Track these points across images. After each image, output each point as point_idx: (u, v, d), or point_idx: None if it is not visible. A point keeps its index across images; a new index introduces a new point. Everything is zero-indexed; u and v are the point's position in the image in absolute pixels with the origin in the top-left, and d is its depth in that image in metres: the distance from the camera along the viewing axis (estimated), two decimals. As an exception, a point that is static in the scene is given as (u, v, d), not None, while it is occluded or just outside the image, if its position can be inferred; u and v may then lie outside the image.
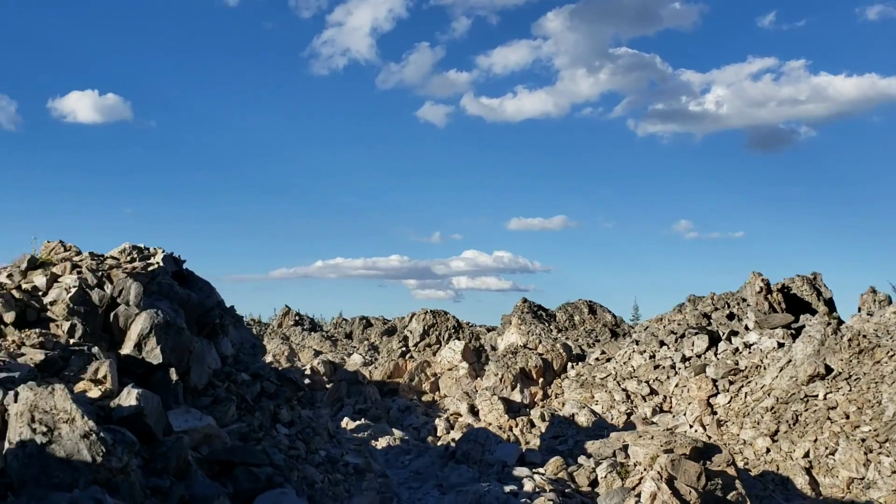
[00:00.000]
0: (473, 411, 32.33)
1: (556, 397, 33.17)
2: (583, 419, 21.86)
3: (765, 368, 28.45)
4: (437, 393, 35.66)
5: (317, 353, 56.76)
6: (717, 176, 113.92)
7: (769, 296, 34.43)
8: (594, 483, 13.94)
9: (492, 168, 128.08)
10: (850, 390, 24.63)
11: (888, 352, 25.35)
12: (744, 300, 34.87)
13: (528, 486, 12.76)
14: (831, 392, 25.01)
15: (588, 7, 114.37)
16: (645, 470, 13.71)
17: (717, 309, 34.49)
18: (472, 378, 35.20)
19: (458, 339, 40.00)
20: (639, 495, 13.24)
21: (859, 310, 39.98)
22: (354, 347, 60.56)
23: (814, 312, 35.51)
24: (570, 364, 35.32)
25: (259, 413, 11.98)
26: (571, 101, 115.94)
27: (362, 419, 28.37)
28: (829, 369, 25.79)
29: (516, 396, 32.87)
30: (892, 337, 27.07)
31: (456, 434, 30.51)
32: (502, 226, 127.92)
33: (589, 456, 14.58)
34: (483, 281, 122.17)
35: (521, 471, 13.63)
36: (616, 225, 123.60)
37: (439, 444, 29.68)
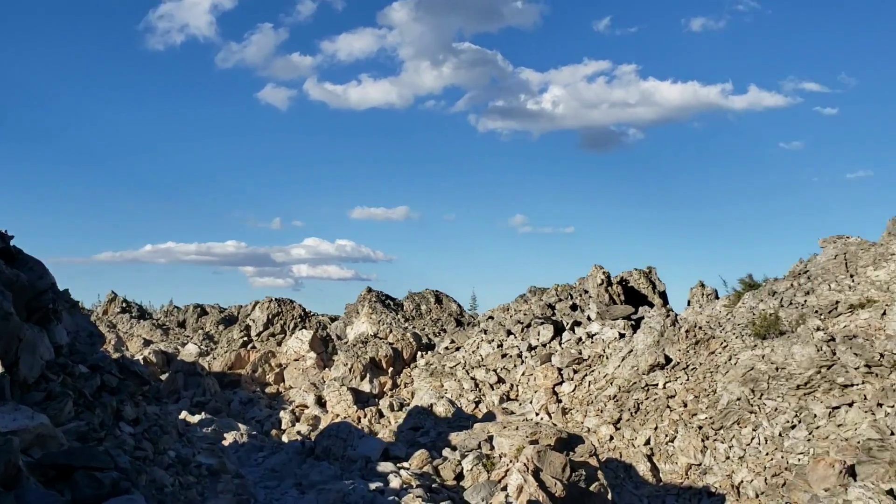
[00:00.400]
0: (321, 403, 31.40)
1: (406, 387, 32.82)
2: (441, 409, 21.64)
3: (607, 358, 29.42)
4: (282, 384, 34.35)
5: (147, 343, 53.53)
6: (551, 173, 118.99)
7: (609, 288, 35.72)
8: (460, 476, 13.60)
9: (335, 155, 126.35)
10: (688, 380, 25.88)
11: (721, 343, 26.86)
12: (586, 292, 35.99)
13: (394, 483, 12.18)
14: (670, 381, 26.17)
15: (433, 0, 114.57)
16: (511, 462, 13.51)
17: (560, 300, 35.38)
18: (319, 368, 34.18)
19: (306, 328, 38.77)
20: (505, 488, 13.00)
21: (689, 303, 42.43)
22: (188, 337, 57.58)
23: (650, 304, 37.25)
24: (419, 353, 35.07)
25: (100, 410, 10.64)
26: (415, 93, 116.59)
27: (203, 413, 26.72)
28: (668, 359, 26.98)
29: (365, 387, 32.22)
30: (723, 328, 28.74)
31: (302, 427, 29.47)
32: (345, 214, 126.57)
33: (454, 448, 14.23)
34: (324, 269, 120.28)
35: (385, 466, 13.04)
36: (457, 217, 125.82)
37: (284, 437, 28.56)
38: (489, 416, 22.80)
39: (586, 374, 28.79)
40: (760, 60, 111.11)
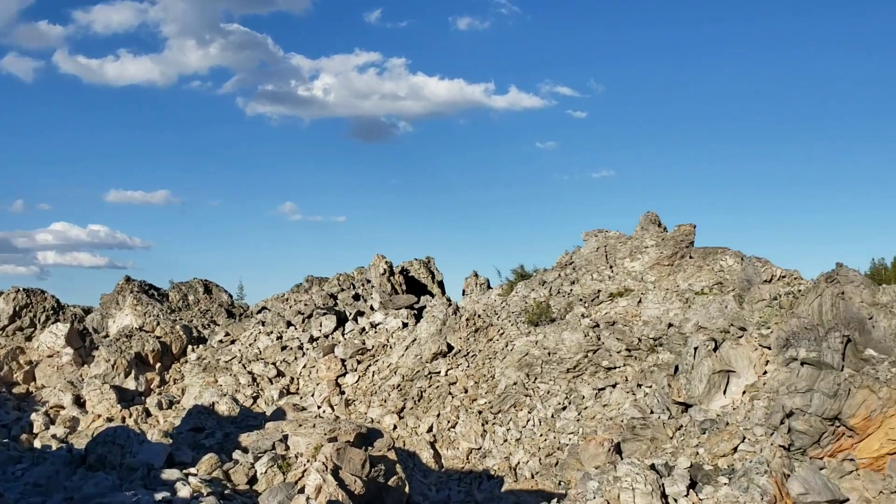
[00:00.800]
0: (79, 402, 28.66)
1: (176, 383, 30.87)
2: (224, 408, 20.36)
3: (391, 348, 29.55)
4: (32, 384, 30.91)
5: None
6: (322, 161, 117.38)
7: (392, 277, 35.95)
8: (253, 480, 12.78)
9: (88, 134, 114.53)
10: (469, 366, 26.65)
11: (499, 330, 27.95)
12: (368, 281, 35.96)
13: (182, 492, 11.13)
14: (452, 368, 26.80)
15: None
16: (308, 462, 12.98)
17: (343, 290, 35.06)
18: (77, 365, 31.16)
19: (60, 321, 35.20)
20: (303, 490, 12.45)
21: (464, 292, 43.83)
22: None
23: (430, 294, 37.99)
24: (190, 347, 33.14)
25: None
26: (179, 72, 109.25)
27: (-65, 421, 23.27)
28: (450, 347, 27.61)
29: (130, 384, 29.87)
30: (499, 316, 29.94)
31: (58, 429, 26.71)
32: (99, 197, 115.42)
33: (245, 450, 13.32)
34: (75, 256, 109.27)
35: (171, 473, 11.90)
36: (222, 203, 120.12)
37: (37, 442, 25.74)
38: (278, 415, 21.98)
39: (370, 365, 28.73)
40: (520, 63, 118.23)
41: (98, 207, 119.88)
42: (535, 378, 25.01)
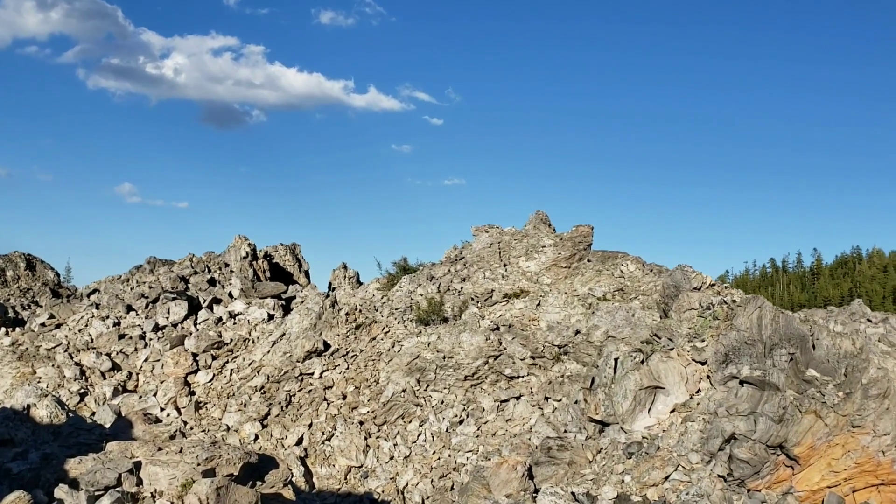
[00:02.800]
0: None
1: (-20, 373, 25.14)
2: (44, 413, 15.55)
3: (254, 342, 25.31)
4: None
5: None
6: (168, 144, 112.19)
7: (255, 262, 31.57)
8: (83, 531, 8.67)
9: None
10: (348, 368, 22.96)
11: (383, 328, 24.42)
12: (226, 265, 31.39)
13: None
14: (328, 370, 23.02)
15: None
16: None
17: (196, 272, 30.29)
18: None
19: None
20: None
21: (330, 285, 39.94)
22: None
23: (295, 283, 33.87)
24: (3, 329, 27.37)
25: None
26: (14, 35, 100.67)
27: None
28: (326, 345, 23.80)
29: (-82, 372, 23.96)
30: (381, 313, 26.42)
31: None
32: None
33: (75, 484, 9.14)
34: None
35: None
36: (54, 178, 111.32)
37: None
38: (121, 427, 17.27)
39: (227, 361, 24.39)
40: (381, 64, 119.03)
41: None
42: (427, 385, 21.71)
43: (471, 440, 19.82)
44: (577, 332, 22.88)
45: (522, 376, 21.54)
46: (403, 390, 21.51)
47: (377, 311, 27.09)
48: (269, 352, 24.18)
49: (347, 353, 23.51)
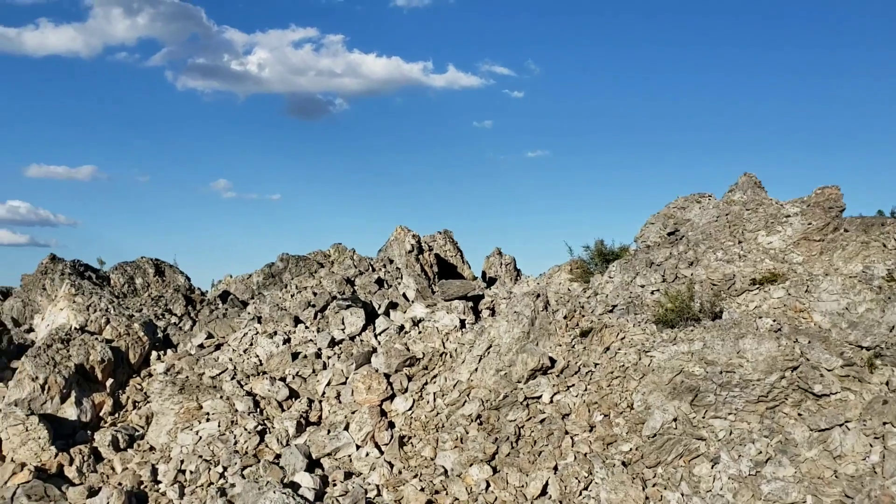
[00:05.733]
0: (-9, 443, 19.14)
1: (137, 407, 21.50)
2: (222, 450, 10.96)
3: (452, 357, 20.72)
4: (-81, 412, 21.14)
5: None
6: (257, 138, 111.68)
7: (421, 256, 27.03)
8: None
9: (6, 106, 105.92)
10: (587, 390, 18.03)
11: (619, 334, 19.35)
12: (391, 261, 26.94)
13: None
14: (560, 392, 18.16)
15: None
16: None
17: (361, 272, 25.93)
18: (-12, 384, 21.52)
19: (-37, 316, 25.34)
20: None
21: (484, 275, 35.25)
22: None
23: (461, 277, 29.23)
24: (154, 353, 23.71)
25: None
26: (105, 42, 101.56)
27: None
28: (551, 360, 18.93)
29: (69, 412, 20.42)
30: (594, 311, 21.35)
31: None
32: (18, 172, 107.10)
33: None
34: None
35: None
36: (152, 179, 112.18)
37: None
38: (312, 465, 12.93)
39: (427, 383, 19.87)
40: (459, 42, 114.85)
41: (18, 183, 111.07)
42: (706, 411, 16.56)
43: (792, 487, 14.59)
44: (893, 327, 17.24)
45: (835, 393, 16.12)
46: (675, 419, 16.43)
47: (584, 309, 22.08)
48: (476, 369, 19.53)
49: (580, 369, 18.58)
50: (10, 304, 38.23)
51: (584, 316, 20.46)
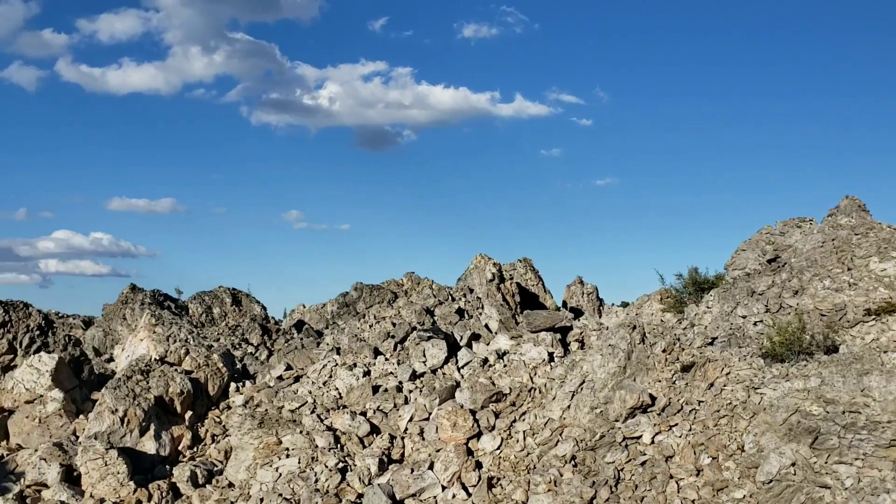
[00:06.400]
0: (71, 477, 18.82)
1: (215, 441, 20.96)
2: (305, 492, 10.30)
3: (541, 393, 19.59)
4: (4, 443, 21.08)
5: None
6: (328, 170, 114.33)
7: (502, 286, 26.03)
8: None
9: (91, 142, 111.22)
10: (691, 430, 16.66)
11: (723, 369, 17.94)
12: (471, 290, 26.01)
13: None
14: (663, 432, 16.83)
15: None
16: None
17: (440, 302, 25.07)
18: (69, 416, 21.31)
19: (48, 346, 25.39)
20: None
21: (565, 304, 34.03)
22: None
23: (542, 307, 28.08)
24: (233, 385, 23.24)
25: None
26: (183, 80, 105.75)
27: None
28: (652, 398, 17.63)
29: (148, 446, 20.00)
30: (691, 343, 19.96)
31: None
32: (102, 205, 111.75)
33: None
34: (77, 265, 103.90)
35: None
36: (228, 210, 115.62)
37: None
38: None
39: (515, 420, 18.77)
40: (526, 71, 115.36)
41: (101, 215, 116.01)
42: (829, 455, 15.03)
43: (936, 546, 12.97)
44: None
45: (980, 438, 14.42)
46: (793, 463, 14.95)
47: (680, 341, 20.70)
48: (569, 406, 18.35)
49: (683, 407, 17.22)
50: (91, 333, 38.64)
51: (683, 349, 19.10)
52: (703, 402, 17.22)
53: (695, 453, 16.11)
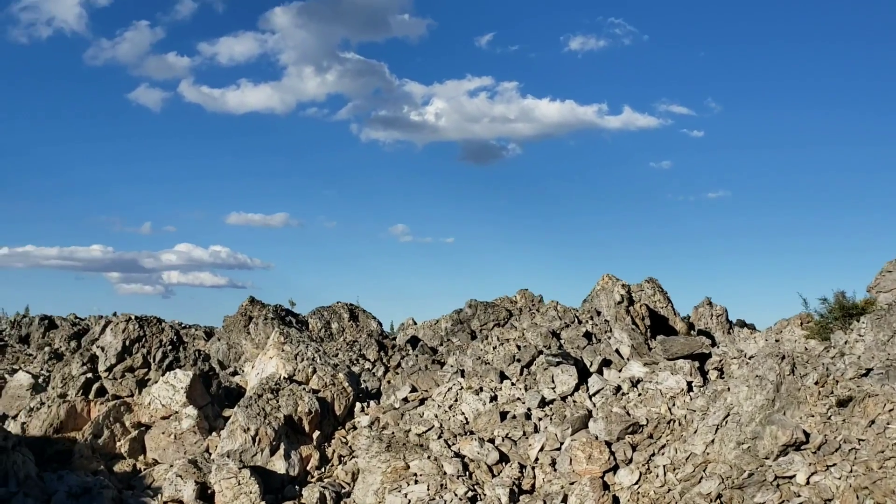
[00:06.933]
0: (206, 495, 19.12)
1: (342, 463, 20.92)
2: None
3: (681, 425, 18.59)
4: (141, 458, 21.70)
5: None
6: (433, 184, 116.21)
7: (631, 308, 25.05)
8: None
9: (210, 159, 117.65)
10: (852, 471, 15.36)
11: (885, 405, 16.50)
12: (598, 313, 25.15)
13: None
14: (818, 472, 15.59)
15: (317, 6, 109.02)
16: None
17: (567, 325, 24.34)
18: (202, 433, 21.74)
19: (179, 361, 26.13)
20: None
21: (692, 326, 32.52)
22: (30, 356, 43.44)
23: (673, 332, 26.87)
24: (358, 405, 23.22)
25: None
26: (297, 99, 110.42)
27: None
28: (806, 434, 16.41)
29: (278, 465, 20.13)
30: (843, 374, 18.46)
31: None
32: (220, 220, 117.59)
33: None
34: (196, 276, 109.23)
35: None
36: (338, 224, 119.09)
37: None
38: None
39: (654, 454, 17.85)
40: (634, 84, 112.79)
41: (219, 229, 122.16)
42: None
43: None
44: None
45: None
46: (977, 516, 13.51)
47: (829, 372, 19.21)
48: (712, 441, 17.29)
49: (841, 445, 15.92)
50: (216, 347, 39.79)
51: (836, 381, 17.72)
52: (864, 440, 15.86)
53: (857, 497, 14.81)
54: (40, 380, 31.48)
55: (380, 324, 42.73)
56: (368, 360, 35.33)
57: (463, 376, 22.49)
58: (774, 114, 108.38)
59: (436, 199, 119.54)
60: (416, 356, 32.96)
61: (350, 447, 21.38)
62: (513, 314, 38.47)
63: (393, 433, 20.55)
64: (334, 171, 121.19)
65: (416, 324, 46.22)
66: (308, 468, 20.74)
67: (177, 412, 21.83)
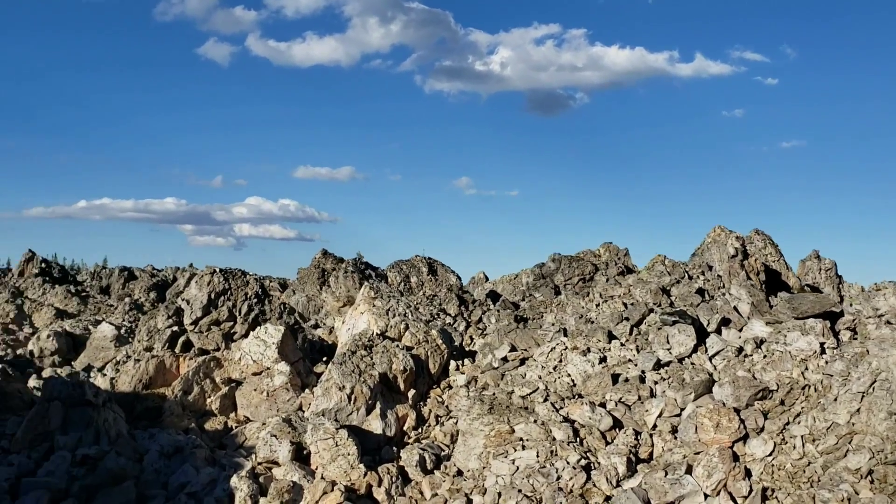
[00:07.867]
0: (301, 455, 18.27)
1: (440, 423, 19.84)
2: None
3: (817, 391, 16.89)
4: (232, 415, 21.03)
5: (60, 314, 40.01)
6: (498, 136, 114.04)
7: (745, 262, 23.16)
8: None
9: (278, 113, 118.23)
10: None
11: None
12: (710, 268, 23.35)
13: None
14: None
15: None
16: None
17: (677, 281, 22.61)
18: (295, 390, 20.92)
19: (266, 315, 25.36)
20: None
21: (799, 282, 30.36)
22: (111, 307, 43.78)
23: (787, 288, 24.89)
24: (453, 363, 22.08)
25: None
26: (362, 51, 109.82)
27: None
28: (974, 406, 14.56)
29: (374, 425, 19.16)
30: None
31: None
32: (288, 173, 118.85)
33: None
34: (266, 229, 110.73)
35: None
36: (402, 178, 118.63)
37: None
38: None
39: (788, 423, 16.22)
40: (707, 30, 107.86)
41: (288, 183, 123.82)
42: None
43: None
44: None
45: None
46: None
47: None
48: (858, 410, 15.57)
49: None
50: (296, 299, 39.21)
51: None
52: None
53: None
54: (122, 331, 31.32)
55: (459, 278, 41.53)
56: (449, 315, 34.21)
57: (566, 335, 21.08)
58: (853, 59, 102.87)
59: (501, 151, 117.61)
60: (498, 311, 31.68)
61: (447, 407, 20.29)
62: (599, 268, 36.77)
63: (494, 394, 19.33)
64: (398, 123, 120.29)
65: (487, 279, 44.95)
66: (405, 428, 19.74)
67: (268, 368, 21.03)
